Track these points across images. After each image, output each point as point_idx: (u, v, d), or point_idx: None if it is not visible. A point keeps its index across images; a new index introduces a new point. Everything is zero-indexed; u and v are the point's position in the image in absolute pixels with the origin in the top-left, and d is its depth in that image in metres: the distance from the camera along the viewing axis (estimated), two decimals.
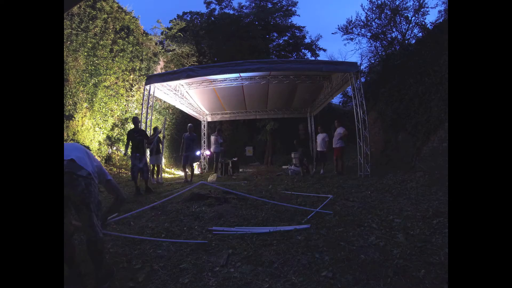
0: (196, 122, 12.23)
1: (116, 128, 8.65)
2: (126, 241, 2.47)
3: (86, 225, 1.68)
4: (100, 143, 7.98)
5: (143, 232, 2.75)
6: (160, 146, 7.19)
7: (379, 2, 11.07)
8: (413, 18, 10.81)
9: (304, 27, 20.34)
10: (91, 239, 1.67)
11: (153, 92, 7.55)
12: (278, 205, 3.59)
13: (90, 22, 7.55)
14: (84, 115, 7.44)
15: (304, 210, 3.38)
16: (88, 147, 5.62)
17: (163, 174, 9.29)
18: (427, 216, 2.86)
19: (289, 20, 20.58)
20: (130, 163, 6.26)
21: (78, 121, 7.17)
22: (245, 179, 7.14)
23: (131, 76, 9.35)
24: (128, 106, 9.24)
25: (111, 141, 8.45)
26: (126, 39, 8.98)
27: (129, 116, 9.20)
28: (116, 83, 8.65)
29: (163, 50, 11.51)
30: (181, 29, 12.44)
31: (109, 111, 8.37)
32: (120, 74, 8.78)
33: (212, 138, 8.99)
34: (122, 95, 8.88)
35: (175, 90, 8.60)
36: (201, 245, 2.37)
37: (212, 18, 19.25)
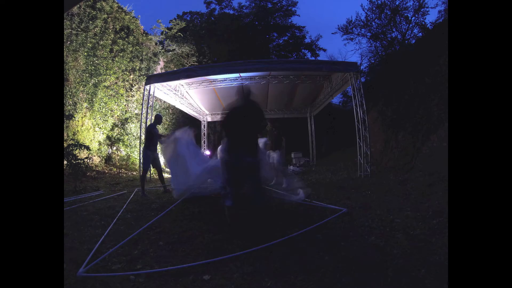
0: (196, 122, 12.23)
1: (116, 128, 8.64)
2: (127, 241, 2.47)
3: None
4: (100, 143, 7.97)
5: (143, 233, 2.75)
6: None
7: (379, 2, 11.09)
8: (413, 18, 10.84)
9: (304, 27, 20.36)
10: None
11: (153, 92, 7.55)
12: (278, 206, 3.59)
13: (90, 22, 7.54)
14: (84, 115, 7.44)
15: (306, 213, 3.39)
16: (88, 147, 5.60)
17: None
18: (427, 216, 2.86)
19: (289, 20, 20.59)
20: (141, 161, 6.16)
21: (78, 121, 7.16)
22: None
23: (131, 76, 9.35)
24: (128, 106, 9.24)
25: (111, 141, 8.44)
26: (126, 39, 8.97)
27: (129, 116, 9.19)
28: (116, 83, 8.64)
29: (163, 50, 11.50)
30: (181, 29, 12.40)
31: (109, 111, 8.36)
32: (120, 74, 8.77)
33: (219, 149, 9.32)
34: (122, 95, 8.87)
35: (175, 90, 8.60)
36: (200, 245, 2.37)
37: (212, 18, 19.25)
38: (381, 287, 1.61)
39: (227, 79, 8.18)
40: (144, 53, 9.97)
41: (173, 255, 2.19)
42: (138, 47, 9.59)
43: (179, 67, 11.94)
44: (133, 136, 9.13)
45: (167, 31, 11.77)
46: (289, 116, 12.33)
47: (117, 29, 8.72)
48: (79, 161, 5.04)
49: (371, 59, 12.94)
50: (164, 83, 7.67)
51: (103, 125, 8.12)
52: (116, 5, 8.79)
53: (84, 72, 7.39)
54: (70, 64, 6.99)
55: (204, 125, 12.11)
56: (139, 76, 9.60)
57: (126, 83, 9.13)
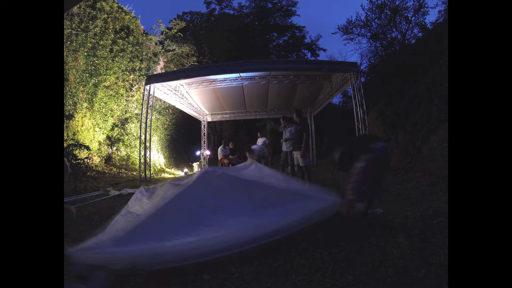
0: (196, 122, 12.22)
1: (116, 128, 8.64)
2: None
3: None
4: (100, 143, 7.97)
5: None
6: None
7: (379, 2, 11.10)
8: (413, 18, 10.87)
9: (304, 27, 20.41)
10: None
11: (153, 92, 7.55)
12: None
13: (90, 22, 7.53)
14: (84, 115, 7.44)
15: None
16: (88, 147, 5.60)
17: (162, 174, 9.30)
18: (427, 216, 2.86)
19: (289, 20, 20.63)
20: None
21: (78, 121, 7.16)
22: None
23: (131, 76, 9.34)
24: (128, 106, 9.23)
25: (111, 141, 8.44)
26: (126, 39, 8.97)
27: (129, 116, 9.18)
28: (116, 83, 8.63)
29: (163, 50, 11.49)
30: (181, 29, 12.40)
31: (109, 111, 8.36)
32: (120, 74, 8.76)
33: (219, 149, 9.51)
34: (122, 95, 8.87)
35: (175, 90, 8.60)
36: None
37: (212, 18, 19.27)
38: (381, 287, 1.61)
39: (227, 79, 8.18)
40: (144, 53, 9.97)
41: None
42: (138, 47, 9.59)
43: (179, 67, 11.94)
44: (133, 136, 9.13)
45: (167, 31, 11.77)
46: (289, 116, 12.32)
47: (117, 29, 8.72)
48: (79, 161, 5.04)
49: (371, 59, 12.98)
50: (164, 83, 7.68)
51: (103, 125, 8.12)
52: (116, 5, 8.78)
53: (84, 72, 7.38)
54: (70, 64, 6.98)
55: (204, 125, 12.11)
56: (139, 76, 9.60)
57: (126, 83, 9.13)
